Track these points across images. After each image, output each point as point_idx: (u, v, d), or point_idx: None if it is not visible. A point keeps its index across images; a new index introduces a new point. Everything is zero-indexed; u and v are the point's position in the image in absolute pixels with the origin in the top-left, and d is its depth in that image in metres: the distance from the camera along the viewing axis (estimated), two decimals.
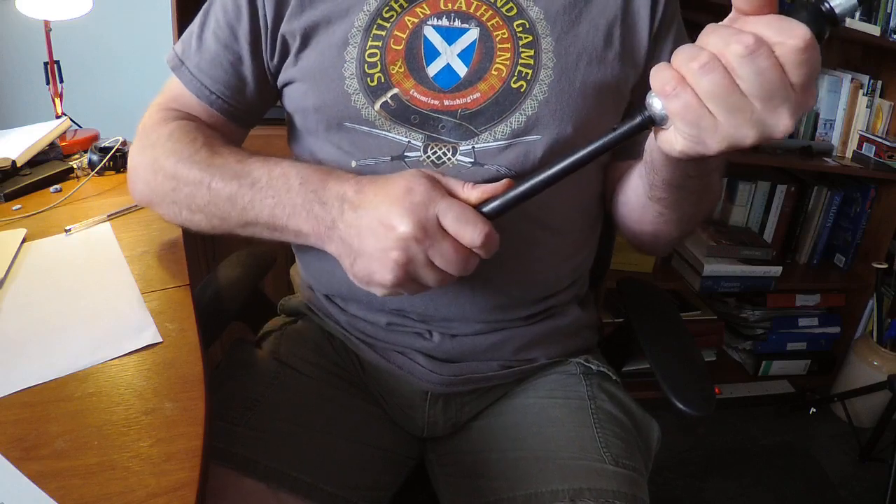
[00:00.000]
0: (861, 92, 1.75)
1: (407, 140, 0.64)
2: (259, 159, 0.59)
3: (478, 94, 0.63)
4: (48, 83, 1.15)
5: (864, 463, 1.67)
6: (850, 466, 1.68)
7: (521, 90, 0.63)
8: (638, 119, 0.45)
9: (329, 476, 0.64)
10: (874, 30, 1.62)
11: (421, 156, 0.64)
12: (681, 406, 0.69)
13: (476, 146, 0.63)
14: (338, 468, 0.66)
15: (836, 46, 1.86)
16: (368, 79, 0.63)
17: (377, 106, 0.63)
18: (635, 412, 0.76)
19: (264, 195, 0.56)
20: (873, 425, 1.67)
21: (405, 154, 0.64)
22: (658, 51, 0.68)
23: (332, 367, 0.75)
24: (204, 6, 0.70)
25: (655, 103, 0.44)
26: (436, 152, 0.63)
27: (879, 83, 1.76)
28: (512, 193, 0.50)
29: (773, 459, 1.68)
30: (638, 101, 0.68)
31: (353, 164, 0.65)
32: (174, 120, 0.67)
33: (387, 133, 0.64)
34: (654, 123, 0.45)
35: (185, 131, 0.65)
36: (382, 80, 0.63)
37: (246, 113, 0.72)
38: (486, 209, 0.51)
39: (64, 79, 1.17)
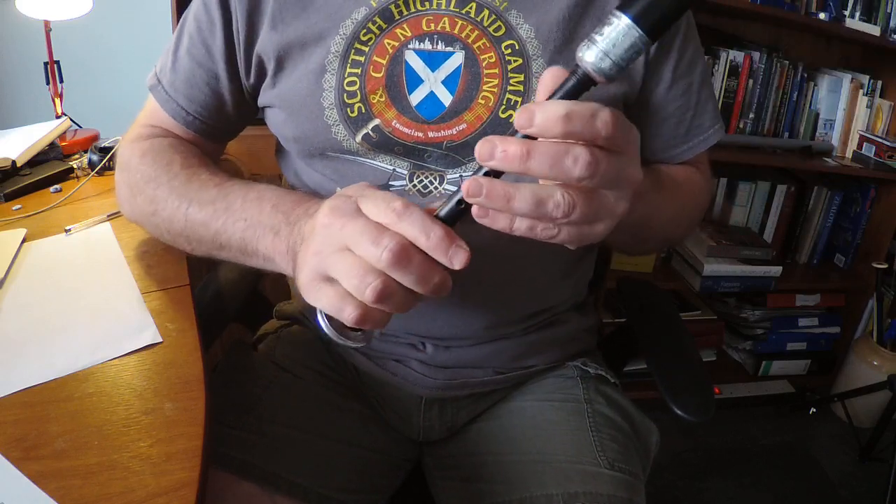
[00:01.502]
0: (861, 92, 1.74)
1: (392, 168, 0.62)
2: (237, 183, 0.57)
3: (464, 126, 0.60)
4: (48, 83, 1.15)
5: (864, 463, 1.67)
6: (850, 466, 1.67)
7: (511, 120, 0.59)
8: (573, 79, 0.38)
9: (325, 479, 0.64)
10: (874, 30, 1.62)
11: (406, 184, 0.62)
12: (680, 412, 0.68)
13: (464, 174, 0.61)
14: (334, 471, 0.66)
15: (836, 46, 1.86)
16: (348, 109, 0.60)
17: (358, 138, 0.60)
18: (633, 416, 0.75)
19: (237, 218, 0.54)
20: (873, 425, 1.67)
21: (390, 183, 0.62)
22: (661, 67, 0.65)
23: (328, 370, 0.75)
24: (180, 21, 0.67)
25: (588, 56, 0.37)
26: (422, 181, 0.62)
27: (879, 83, 1.76)
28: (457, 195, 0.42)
29: (773, 459, 1.68)
30: (632, 116, 0.65)
31: (339, 190, 0.64)
32: (148, 139, 0.65)
33: (371, 161, 0.62)
34: (593, 82, 0.38)
35: (159, 152, 0.63)
36: (363, 111, 0.60)
37: (223, 131, 0.70)
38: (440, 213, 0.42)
39: (64, 79, 1.17)
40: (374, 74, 0.60)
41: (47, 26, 1.13)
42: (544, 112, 0.36)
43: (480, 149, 0.37)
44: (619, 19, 0.37)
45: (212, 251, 0.58)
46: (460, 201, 0.41)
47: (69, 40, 1.25)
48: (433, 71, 0.60)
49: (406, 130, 0.60)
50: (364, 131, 0.60)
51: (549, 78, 0.40)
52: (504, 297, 0.67)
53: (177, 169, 0.61)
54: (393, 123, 0.60)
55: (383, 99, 0.60)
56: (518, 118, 0.37)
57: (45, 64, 1.14)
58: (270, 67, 0.62)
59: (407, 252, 0.40)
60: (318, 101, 0.60)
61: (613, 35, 0.37)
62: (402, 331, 0.68)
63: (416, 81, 0.60)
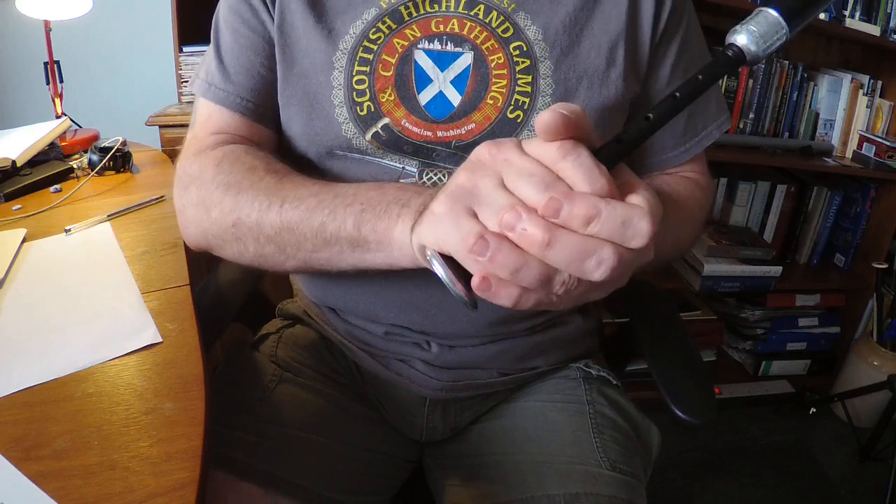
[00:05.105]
0: (861, 92, 1.74)
1: (401, 167, 0.62)
2: (343, 183, 0.53)
3: (472, 125, 0.60)
4: (48, 83, 1.15)
5: (864, 463, 1.67)
6: (850, 466, 1.67)
7: (518, 120, 0.60)
8: (728, 54, 0.41)
9: (326, 480, 0.64)
10: (874, 30, 1.62)
11: (417, 181, 0.62)
12: (680, 413, 0.68)
13: None
14: (335, 472, 0.66)
15: (836, 46, 1.86)
16: (358, 107, 0.60)
17: (368, 136, 0.60)
18: (635, 417, 0.75)
19: (350, 202, 0.50)
20: (873, 425, 1.67)
21: (399, 180, 0.61)
22: (658, 64, 0.65)
23: (330, 371, 0.75)
24: (212, 29, 0.66)
25: (740, 39, 0.40)
26: (431, 178, 0.62)
27: (879, 83, 1.76)
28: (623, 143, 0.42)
29: (773, 459, 1.68)
30: (636, 114, 0.66)
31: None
32: (217, 147, 0.61)
33: (380, 160, 0.62)
34: (744, 62, 0.41)
35: (237, 159, 0.58)
36: (372, 109, 0.60)
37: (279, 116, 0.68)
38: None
39: (64, 79, 1.17)
40: (382, 73, 0.60)
41: (47, 26, 1.13)
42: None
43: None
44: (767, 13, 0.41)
45: (312, 254, 0.53)
46: None
47: (69, 40, 1.25)
48: (442, 71, 0.61)
49: (415, 129, 0.61)
50: (374, 130, 0.61)
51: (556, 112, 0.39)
52: None
53: (261, 173, 0.56)
54: (402, 122, 0.61)
55: (392, 98, 0.60)
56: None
57: (45, 64, 1.14)
58: (279, 60, 0.62)
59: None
60: (329, 99, 0.61)
61: (764, 25, 0.40)
62: (406, 323, 0.68)
63: (425, 81, 0.61)
